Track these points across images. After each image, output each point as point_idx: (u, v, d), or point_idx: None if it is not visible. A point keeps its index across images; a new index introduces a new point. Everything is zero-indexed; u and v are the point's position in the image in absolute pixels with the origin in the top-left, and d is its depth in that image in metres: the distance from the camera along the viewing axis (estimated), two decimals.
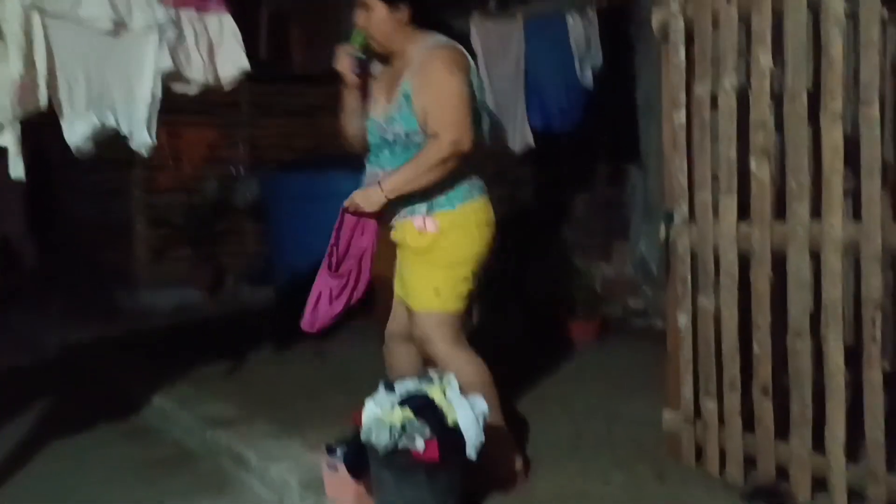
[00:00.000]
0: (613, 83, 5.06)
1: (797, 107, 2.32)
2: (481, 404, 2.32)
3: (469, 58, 2.57)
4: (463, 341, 2.60)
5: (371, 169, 2.63)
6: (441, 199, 2.51)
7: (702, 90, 2.58)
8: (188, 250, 6.66)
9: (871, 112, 2.16)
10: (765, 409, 2.48)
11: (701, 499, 2.51)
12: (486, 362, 2.61)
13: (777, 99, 2.43)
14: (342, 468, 2.43)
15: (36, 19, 2.49)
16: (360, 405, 2.33)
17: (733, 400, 2.56)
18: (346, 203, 2.59)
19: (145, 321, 5.83)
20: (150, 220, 6.66)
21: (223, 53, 3.00)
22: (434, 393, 2.30)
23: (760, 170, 2.43)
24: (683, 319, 2.70)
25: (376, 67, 2.72)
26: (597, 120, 5.19)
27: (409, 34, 2.56)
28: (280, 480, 2.82)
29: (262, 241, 6.82)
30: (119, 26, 2.68)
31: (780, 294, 2.43)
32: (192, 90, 2.99)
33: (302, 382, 3.95)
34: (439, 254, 2.52)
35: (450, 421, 2.25)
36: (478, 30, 4.49)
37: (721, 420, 2.61)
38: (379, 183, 2.50)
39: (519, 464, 2.65)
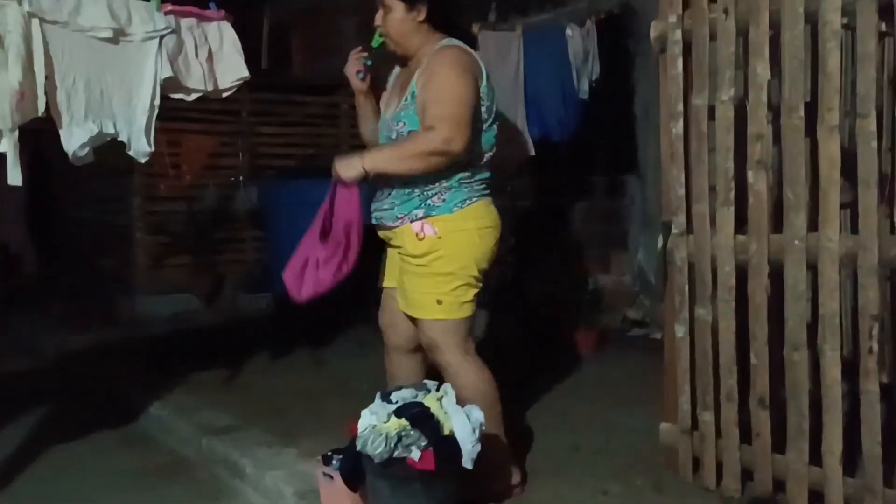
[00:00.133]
0: (612, 94, 5.08)
1: (794, 119, 2.32)
2: (478, 414, 2.31)
3: (480, 64, 2.53)
4: (471, 349, 2.57)
5: None
6: (439, 204, 2.49)
7: (699, 102, 2.59)
8: (187, 258, 6.66)
9: (868, 125, 2.16)
10: (762, 421, 2.47)
11: None
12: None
13: (775, 111, 2.44)
14: (338, 478, 2.42)
15: (35, 27, 2.50)
16: (357, 414, 2.32)
17: (730, 412, 2.56)
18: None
19: (144, 328, 5.83)
20: (149, 228, 6.66)
21: (223, 62, 3.01)
22: (430, 402, 2.30)
23: (758, 181, 2.43)
24: (681, 331, 2.70)
25: (395, 69, 2.72)
26: (595, 131, 5.21)
27: (425, 35, 2.56)
28: (275, 490, 2.81)
29: (261, 249, 6.83)
30: (119, 34, 2.70)
31: (777, 306, 2.43)
32: (190, 98, 3.00)
33: (299, 391, 3.95)
34: (439, 261, 2.49)
35: (446, 431, 2.24)
36: (478, 41, 4.51)
37: (718, 432, 2.60)
38: (362, 154, 2.48)
39: (516, 476, 2.64)
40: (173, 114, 5.39)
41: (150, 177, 6.56)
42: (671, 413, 2.76)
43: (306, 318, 5.55)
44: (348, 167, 2.47)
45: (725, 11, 2.47)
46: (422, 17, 2.54)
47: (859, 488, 2.25)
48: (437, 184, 2.49)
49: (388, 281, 2.75)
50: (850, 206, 2.38)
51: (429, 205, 2.50)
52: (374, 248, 4.65)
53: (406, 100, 2.52)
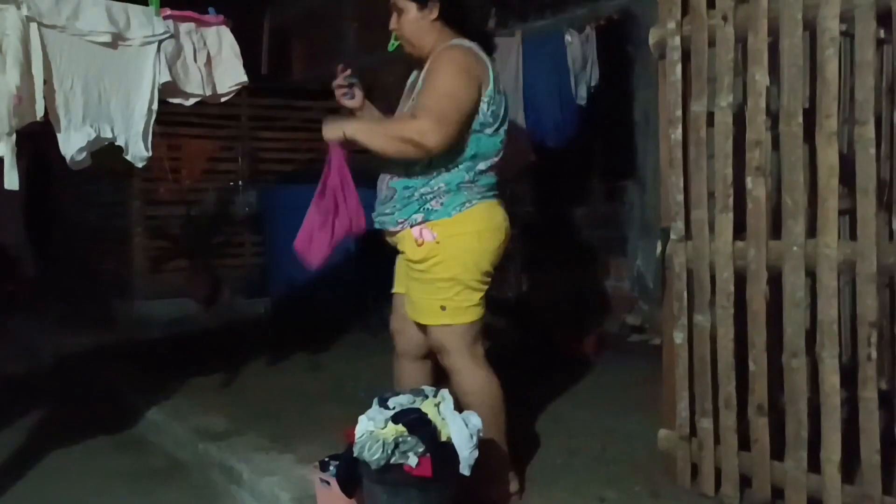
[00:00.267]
0: (612, 100, 5.08)
1: (793, 126, 2.32)
2: (475, 420, 2.30)
3: (488, 66, 2.49)
4: (479, 354, 2.55)
5: (382, 173, 2.61)
6: (437, 208, 2.47)
7: (698, 108, 2.58)
8: (185, 261, 6.66)
9: (867, 132, 2.16)
10: (760, 428, 2.46)
11: None
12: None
13: (773, 117, 2.44)
14: (334, 483, 2.41)
15: (34, 31, 2.50)
16: (354, 420, 2.31)
17: (729, 418, 2.55)
18: None
19: (142, 332, 5.82)
20: (148, 231, 6.66)
21: (221, 67, 3.01)
22: (428, 408, 2.29)
23: (756, 188, 2.43)
24: (679, 337, 2.69)
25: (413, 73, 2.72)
26: (595, 136, 5.22)
27: (438, 34, 2.54)
28: (271, 495, 2.80)
29: (260, 253, 6.83)
30: (117, 39, 2.70)
31: (776, 312, 2.43)
32: (188, 102, 3.00)
33: (296, 395, 3.94)
34: (439, 266, 2.47)
35: (443, 437, 2.23)
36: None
37: (717, 439, 2.59)
38: (349, 120, 2.51)
39: (514, 483, 2.63)
40: (173, 118, 5.40)
41: (149, 180, 6.57)
42: (669, 419, 2.75)
43: (303, 323, 5.57)
44: (332, 128, 2.50)
45: (724, 18, 2.47)
46: (434, 15, 2.53)
47: (858, 496, 2.24)
48: (436, 188, 2.47)
49: (398, 286, 2.74)
50: (849, 212, 2.38)
51: (427, 209, 2.49)
52: (377, 254, 4.65)
53: (414, 99, 2.53)
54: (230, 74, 3.04)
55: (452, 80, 2.41)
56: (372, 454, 2.17)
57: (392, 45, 2.68)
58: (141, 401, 3.90)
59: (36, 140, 2.75)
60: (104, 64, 2.69)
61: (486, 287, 2.53)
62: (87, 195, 7.45)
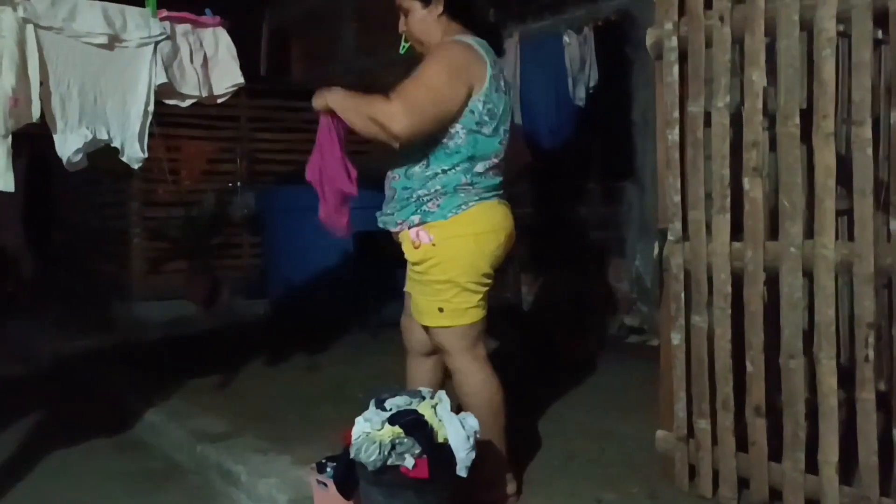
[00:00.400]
0: (611, 101, 5.08)
1: (790, 126, 2.32)
2: (472, 422, 2.30)
3: (486, 64, 2.46)
4: (480, 356, 2.55)
5: (388, 172, 2.62)
6: (434, 210, 2.46)
7: (695, 109, 2.58)
8: (184, 263, 6.66)
9: (864, 133, 2.15)
10: (758, 429, 2.46)
11: None
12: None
13: (771, 118, 2.43)
14: (332, 485, 2.41)
15: (30, 33, 2.50)
16: (351, 421, 2.31)
17: (726, 420, 2.54)
18: None
19: (140, 333, 5.81)
20: (146, 233, 6.66)
21: (218, 68, 3.01)
22: (424, 410, 2.29)
23: (753, 189, 2.43)
24: (677, 338, 2.69)
25: None
26: (594, 137, 5.22)
27: (444, 30, 2.54)
28: (268, 497, 2.79)
29: (259, 254, 6.83)
30: (113, 40, 2.70)
31: (773, 313, 2.42)
32: (185, 104, 3.00)
33: (294, 397, 3.93)
34: (436, 269, 2.47)
35: (440, 438, 2.23)
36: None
37: (714, 440, 2.59)
38: (336, 90, 2.54)
39: (511, 485, 2.62)
40: (172, 119, 5.40)
41: (147, 182, 6.57)
42: (667, 421, 2.75)
43: (302, 324, 5.57)
44: (318, 97, 2.54)
45: (721, 19, 2.47)
46: (440, 10, 2.53)
47: (855, 497, 2.24)
48: (433, 190, 2.47)
49: (408, 285, 2.74)
50: (847, 213, 2.38)
51: (424, 211, 2.48)
52: (375, 255, 4.65)
53: None
54: (227, 76, 3.04)
55: (436, 73, 2.40)
56: (368, 456, 2.17)
57: (403, 47, 2.69)
58: (139, 402, 3.90)
59: (35, 142, 2.75)
60: (100, 65, 2.68)
61: (485, 289, 2.52)
62: (85, 196, 7.46)
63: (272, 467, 2.98)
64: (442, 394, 2.35)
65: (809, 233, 2.31)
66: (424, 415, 2.26)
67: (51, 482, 3.08)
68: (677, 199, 2.65)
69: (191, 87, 2.94)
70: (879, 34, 2.31)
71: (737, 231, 2.49)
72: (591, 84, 4.92)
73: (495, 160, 2.52)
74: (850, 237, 2.26)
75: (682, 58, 2.62)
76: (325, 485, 2.47)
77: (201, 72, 2.95)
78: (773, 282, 2.42)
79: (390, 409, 2.30)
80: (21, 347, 5.56)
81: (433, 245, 2.46)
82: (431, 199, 2.47)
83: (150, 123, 2.88)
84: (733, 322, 2.51)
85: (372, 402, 2.36)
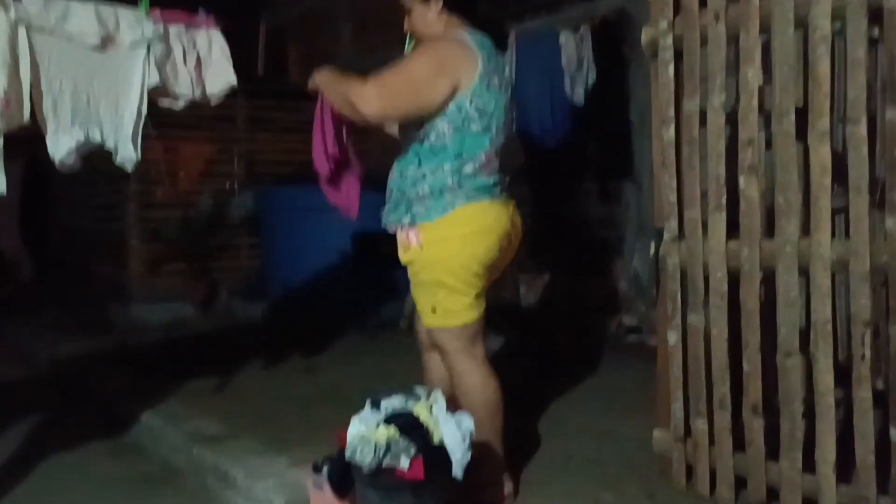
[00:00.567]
0: (608, 100, 5.07)
1: (785, 124, 2.31)
2: (468, 423, 2.29)
3: (477, 60, 2.43)
4: (478, 355, 2.54)
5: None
6: (422, 211, 2.46)
7: (691, 107, 2.58)
8: (182, 265, 6.65)
9: (859, 130, 2.15)
10: (755, 428, 2.45)
11: None
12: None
13: (766, 116, 2.42)
14: (327, 487, 2.40)
15: (22, 34, 2.48)
16: (348, 422, 2.30)
17: (724, 419, 2.54)
18: None
19: (138, 335, 5.80)
20: (144, 235, 6.65)
21: (211, 69, 3.00)
22: (420, 411, 2.28)
23: (749, 187, 2.42)
24: (673, 337, 2.68)
25: None
26: (591, 136, 5.20)
27: (446, 25, 2.53)
28: (265, 499, 2.79)
29: (257, 255, 6.83)
30: (106, 41, 2.69)
31: (770, 312, 2.42)
32: (178, 105, 2.99)
33: (291, 398, 3.92)
34: (425, 270, 2.48)
35: (435, 439, 2.22)
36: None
37: (712, 440, 2.58)
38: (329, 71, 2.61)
39: (508, 486, 2.62)
40: (169, 120, 5.39)
41: (145, 183, 6.56)
42: (664, 420, 2.74)
43: (300, 325, 5.56)
44: (312, 77, 2.62)
45: (716, 17, 2.46)
46: (440, 6, 2.53)
47: (853, 496, 2.23)
48: (422, 192, 2.46)
49: None
50: (843, 211, 2.37)
51: (413, 213, 2.47)
52: (373, 257, 4.64)
53: None
54: (220, 76, 3.03)
55: (417, 65, 2.42)
56: (364, 457, 2.16)
57: (409, 45, 2.72)
58: (136, 405, 3.88)
59: (32, 143, 2.73)
60: (93, 66, 2.67)
61: (476, 290, 2.50)
62: (83, 198, 7.44)
63: (269, 469, 2.97)
64: (437, 394, 2.34)
65: (806, 231, 2.30)
66: (420, 415, 2.26)
67: (47, 486, 3.07)
68: (673, 197, 2.64)
69: (184, 88, 2.93)
70: (875, 32, 2.30)
71: (733, 229, 2.48)
72: (589, 83, 4.91)
73: (485, 159, 2.47)
74: (847, 235, 2.25)
75: (678, 56, 2.62)
76: (321, 486, 2.47)
77: (195, 72, 2.94)
78: (769, 280, 2.41)
79: (385, 410, 2.29)
80: (18, 350, 5.55)
81: (421, 247, 2.46)
82: (420, 201, 2.46)
83: (145, 125, 2.88)
84: (730, 321, 2.50)
85: (367, 403, 2.35)
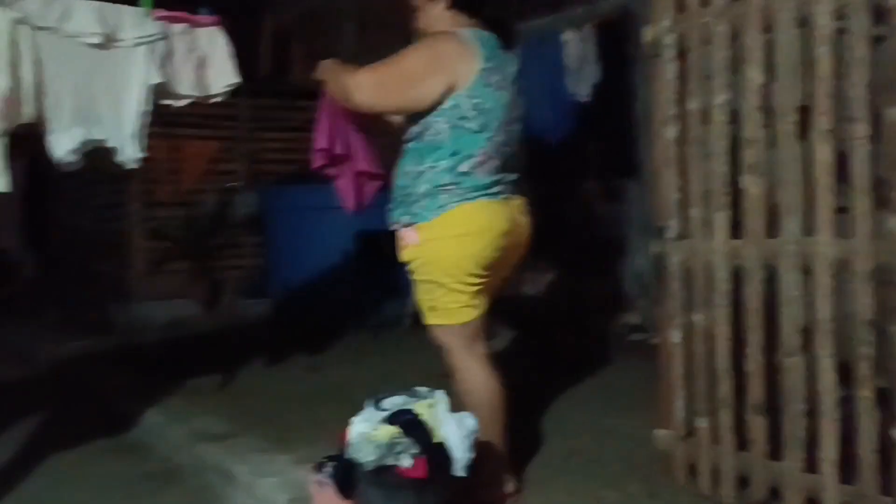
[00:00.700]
0: (612, 99, 5.07)
1: (787, 123, 2.31)
2: (470, 421, 2.29)
3: (476, 57, 2.43)
4: (478, 354, 2.54)
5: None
6: (419, 211, 2.46)
7: (693, 106, 2.57)
8: (185, 264, 6.66)
9: (862, 129, 2.14)
10: (757, 427, 2.45)
11: None
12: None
13: (769, 115, 2.42)
14: (330, 486, 2.40)
15: (24, 32, 2.49)
16: (350, 421, 2.31)
17: (726, 418, 2.54)
18: None
19: (141, 334, 5.82)
20: (147, 233, 6.66)
21: (213, 68, 3.00)
22: (422, 409, 2.28)
23: (751, 186, 2.42)
24: (676, 336, 2.68)
25: None
26: (595, 135, 5.20)
27: (451, 22, 2.53)
28: (268, 497, 2.79)
29: (260, 254, 6.83)
30: (108, 40, 2.69)
31: (772, 311, 2.41)
32: (180, 103, 2.99)
33: (294, 397, 3.93)
34: (422, 269, 2.49)
35: (437, 438, 2.22)
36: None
37: (714, 438, 2.58)
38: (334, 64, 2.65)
39: (511, 484, 2.62)
40: (172, 119, 5.40)
41: (148, 182, 6.56)
42: (666, 419, 2.74)
43: (303, 324, 5.57)
44: (318, 67, 2.68)
45: (718, 15, 2.46)
46: (446, 3, 2.54)
47: (855, 495, 2.23)
48: (419, 190, 2.46)
49: None
50: (846, 210, 2.36)
51: (412, 212, 2.48)
52: (377, 256, 4.63)
53: None
54: (222, 75, 3.03)
55: (413, 59, 2.45)
56: (366, 456, 2.17)
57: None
58: (139, 404, 3.90)
59: (35, 142, 2.74)
60: (95, 65, 2.68)
61: (473, 289, 2.48)
62: (85, 198, 7.45)
63: (272, 467, 2.98)
64: (439, 394, 2.35)
65: (808, 230, 2.30)
66: (422, 414, 2.26)
67: (50, 485, 3.08)
68: (676, 196, 2.64)
69: (186, 87, 2.93)
70: (876, 31, 2.30)
71: (735, 228, 2.48)
72: (592, 82, 4.91)
73: (482, 158, 2.46)
74: (850, 234, 2.25)
75: (680, 55, 2.62)
76: (324, 485, 2.47)
77: (196, 72, 2.94)
78: (771, 279, 2.41)
79: (388, 409, 2.30)
80: (20, 350, 5.56)
81: (417, 246, 2.47)
82: (418, 200, 2.46)
83: (147, 123, 2.88)
84: (732, 320, 2.50)
85: (369, 402, 2.36)
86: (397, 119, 2.69)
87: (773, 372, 2.42)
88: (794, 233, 2.31)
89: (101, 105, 2.73)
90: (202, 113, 5.47)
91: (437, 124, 2.44)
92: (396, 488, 2.19)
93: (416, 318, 3.06)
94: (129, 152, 2.82)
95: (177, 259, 6.65)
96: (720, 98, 2.49)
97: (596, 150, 5.48)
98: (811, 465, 2.32)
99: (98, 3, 2.69)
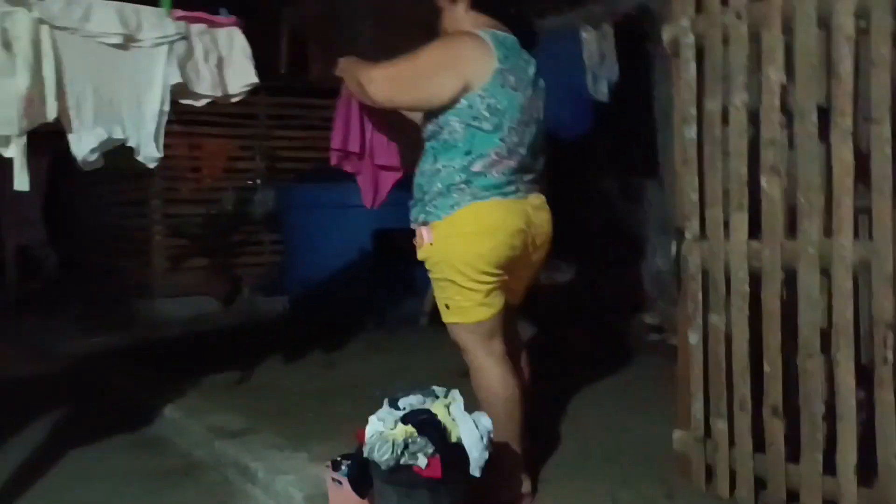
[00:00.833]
0: (632, 97, 5.04)
1: (807, 124, 2.29)
2: (486, 422, 2.30)
3: (493, 58, 2.44)
4: (496, 351, 2.53)
5: None
6: (433, 210, 2.48)
7: (713, 106, 2.56)
8: (205, 261, 6.71)
9: (882, 130, 2.12)
10: (775, 430, 2.43)
11: None
12: None
13: (789, 115, 2.40)
14: (346, 483, 2.42)
15: (45, 33, 2.52)
16: (367, 419, 2.32)
17: (744, 420, 2.52)
18: None
19: (160, 330, 5.86)
20: (167, 231, 6.72)
21: (232, 68, 3.02)
22: (438, 409, 2.29)
23: (771, 187, 2.40)
24: (694, 337, 2.67)
25: None
26: (614, 134, 5.18)
27: (473, 23, 2.54)
28: (285, 494, 2.81)
29: (278, 251, 6.87)
30: (128, 41, 2.72)
31: (791, 313, 2.40)
32: (199, 103, 3.01)
33: (311, 394, 3.95)
34: (436, 267, 2.51)
35: (453, 438, 2.23)
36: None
37: (731, 440, 2.57)
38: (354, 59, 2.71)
39: (526, 484, 2.62)
40: (192, 117, 5.44)
41: (168, 180, 6.62)
42: (684, 420, 2.73)
43: (321, 321, 5.59)
44: (337, 63, 2.73)
45: (738, 15, 2.44)
46: (466, 4, 2.56)
47: (874, 499, 2.21)
48: (434, 189, 2.48)
49: None
50: (866, 211, 2.34)
51: (427, 211, 2.50)
52: (393, 254, 4.63)
53: None
54: (241, 75, 3.05)
55: (429, 56, 2.48)
56: (382, 455, 2.18)
57: None
58: (158, 399, 3.93)
59: (57, 139, 2.77)
60: (116, 65, 2.71)
61: (486, 287, 2.47)
62: (107, 195, 7.53)
63: (289, 464, 3.00)
64: (455, 393, 2.35)
65: (828, 231, 2.28)
66: (438, 414, 2.27)
67: (70, 479, 3.11)
68: (695, 197, 2.63)
69: (205, 87, 2.95)
70: None
71: (755, 229, 2.46)
72: (611, 80, 4.88)
73: (495, 157, 2.46)
74: (870, 236, 2.23)
75: (700, 54, 2.60)
76: (340, 483, 2.48)
77: (216, 72, 2.96)
78: (791, 281, 2.39)
79: (404, 409, 2.31)
80: (41, 345, 5.63)
81: (431, 244, 2.49)
82: (433, 199, 2.49)
83: (167, 122, 2.90)
84: (751, 321, 2.49)
85: (386, 401, 2.37)
86: (418, 117, 2.70)
87: (791, 374, 2.41)
88: (814, 234, 2.29)
89: (122, 105, 2.76)
90: (221, 111, 5.51)
91: (452, 124, 2.46)
92: (411, 487, 2.20)
93: (432, 316, 3.07)
94: (149, 152, 2.84)
95: (196, 256, 6.70)
96: (740, 98, 2.47)
97: (615, 149, 5.46)
98: (830, 468, 2.30)
99: (118, 3, 2.72)
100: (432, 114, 2.50)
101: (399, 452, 2.17)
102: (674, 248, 2.71)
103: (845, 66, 2.18)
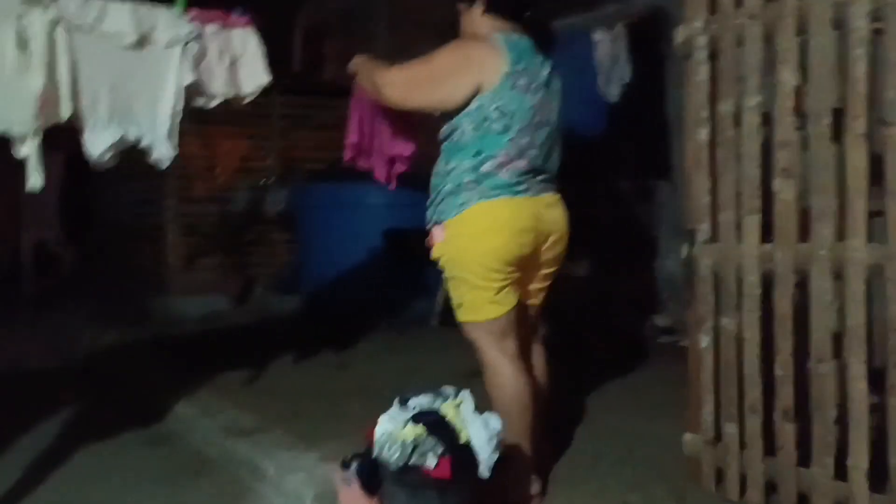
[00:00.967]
0: (644, 99, 5.03)
1: (821, 126, 2.28)
2: (495, 422, 2.29)
3: (504, 61, 2.47)
4: (509, 351, 2.54)
5: None
6: (444, 208, 2.52)
7: (725, 108, 2.55)
8: (218, 259, 6.75)
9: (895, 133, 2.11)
10: (786, 433, 2.42)
11: None
12: None
13: (802, 118, 2.39)
14: (356, 483, 2.42)
15: (60, 33, 2.53)
16: (378, 419, 2.32)
17: (755, 424, 2.51)
18: None
19: (174, 328, 5.89)
20: (181, 229, 6.76)
21: (245, 69, 3.03)
22: (447, 410, 2.28)
23: (784, 190, 2.39)
24: (705, 340, 2.66)
25: None
26: (627, 135, 5.16)
27: (490, 27, 2.56)
28: (295, 492, 2.83)
29: (291, 250, 6.89)
30: (143, 41, 2.73)
31: (803, 316, 2.38)
32: (212, 103, 3.02)
33: (323, 393, 3.96)
34: (448, 266, 2.54)
35: (463, 438, 2.23)
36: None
37: (742, 444, 2.56)
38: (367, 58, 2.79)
39: (536, 486, 2.62)
40: (206, 116, 5.46)
41: (183, 179, 6.65)
42: (695, 423, 2.72)
43: (334, 320, 5.61)
44: (352, 62, 2.81)
45: (752, 17, 2.43)
46: (482, 8, 2.59)
47: None
48: (446, 188, 2.52)
49: None
50: (880, 214, 2.33)
51: (440, 210, 2.54)
52: (406, 254, 4.63)
53: None
54: (254, 76, 3.06)
55: (442, 59, 2.53)
56: (391, 455, 2.17)
57: None
58: (171, 397, 3.96)
59: (73, 137, 2.79)
60: (130, 65, 2.72)
61: (497, 285, 2.48)
62: (123, 193, 7.58)
63: (300, 463, 3.01)
64: (465, 393, 2.35)
65: (841, 235, 2.27)
66: (447, 415, 2.26)
67: (82, 475, 3.13)
68: (707, 199, 2.62)
69: (218, 88, 2.97)
70: None
71: (767, 232, 2.45)
72: (624, 81, 4.87)
73: (504, 158, 2.48)
74: (883, 239, 2.21)
75: (713, 56, 2.59)
76: (350, 482, 2.48)
77: (229, 72, 2.98)
78: (803, 284, 2.38)
79: (413, 408, 2.30)
80: (56, 341, 5.67)
81: (443, 243, 2.52)
82: (445, 198, 2.52)
83: (181, 121, 2.92)
84: (762, 325, 2.47)
85: (395, 401, 2.37)
86: (435, 119, 2.73)
87: (802, 378, 2.39)
88: (827, 237, 2.28)
89: (137, 105, 2.78)
90: (235, 110, 5.51)
91: (463, 125, 2.50)
92: (421, 488, 2.20)
93: (445, 315, 3.08)
94: (163, 151, 2.86)
95: (210, 254, 6.73)
96: (753, 100, 2.46)
97: (628, 151, 5.45)
98: (841, 473, 2.29)
99: (133, 3, 2.74)
100: (447, 115, 2.54)
101: (408, 453, 2.17)
102: (685, 251, 2.70)
103: (860, 68, 2.17)
